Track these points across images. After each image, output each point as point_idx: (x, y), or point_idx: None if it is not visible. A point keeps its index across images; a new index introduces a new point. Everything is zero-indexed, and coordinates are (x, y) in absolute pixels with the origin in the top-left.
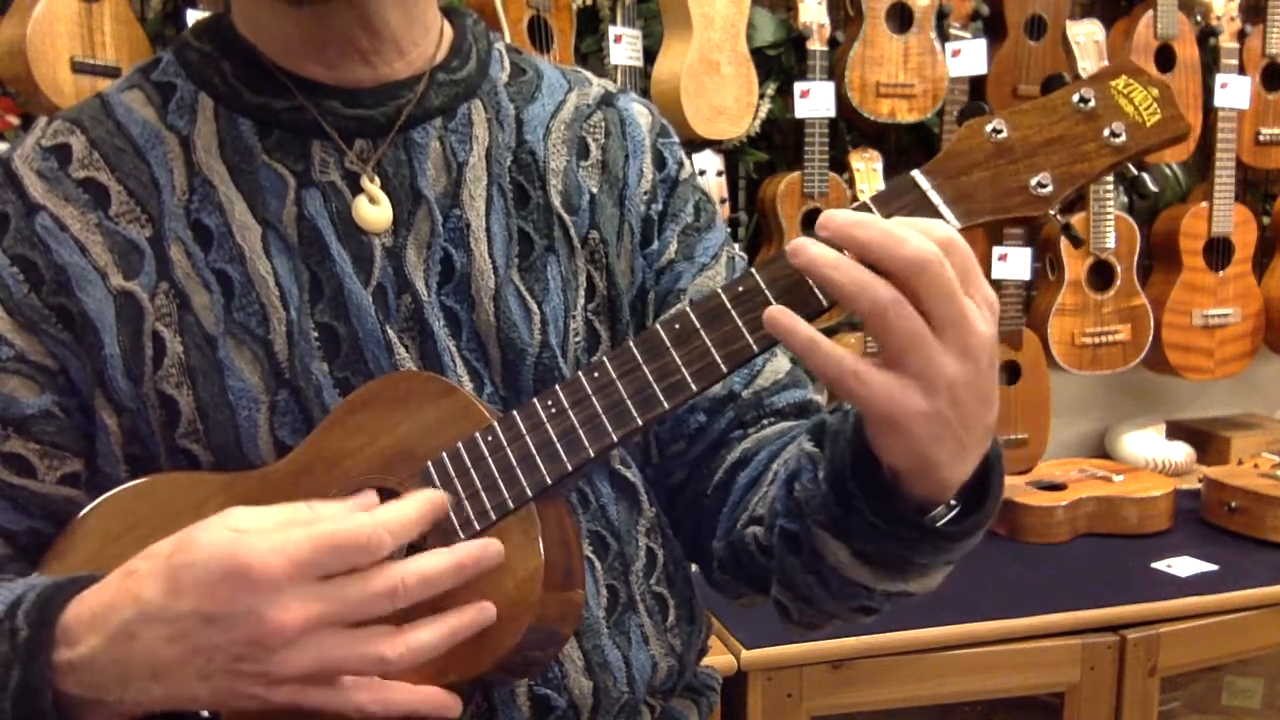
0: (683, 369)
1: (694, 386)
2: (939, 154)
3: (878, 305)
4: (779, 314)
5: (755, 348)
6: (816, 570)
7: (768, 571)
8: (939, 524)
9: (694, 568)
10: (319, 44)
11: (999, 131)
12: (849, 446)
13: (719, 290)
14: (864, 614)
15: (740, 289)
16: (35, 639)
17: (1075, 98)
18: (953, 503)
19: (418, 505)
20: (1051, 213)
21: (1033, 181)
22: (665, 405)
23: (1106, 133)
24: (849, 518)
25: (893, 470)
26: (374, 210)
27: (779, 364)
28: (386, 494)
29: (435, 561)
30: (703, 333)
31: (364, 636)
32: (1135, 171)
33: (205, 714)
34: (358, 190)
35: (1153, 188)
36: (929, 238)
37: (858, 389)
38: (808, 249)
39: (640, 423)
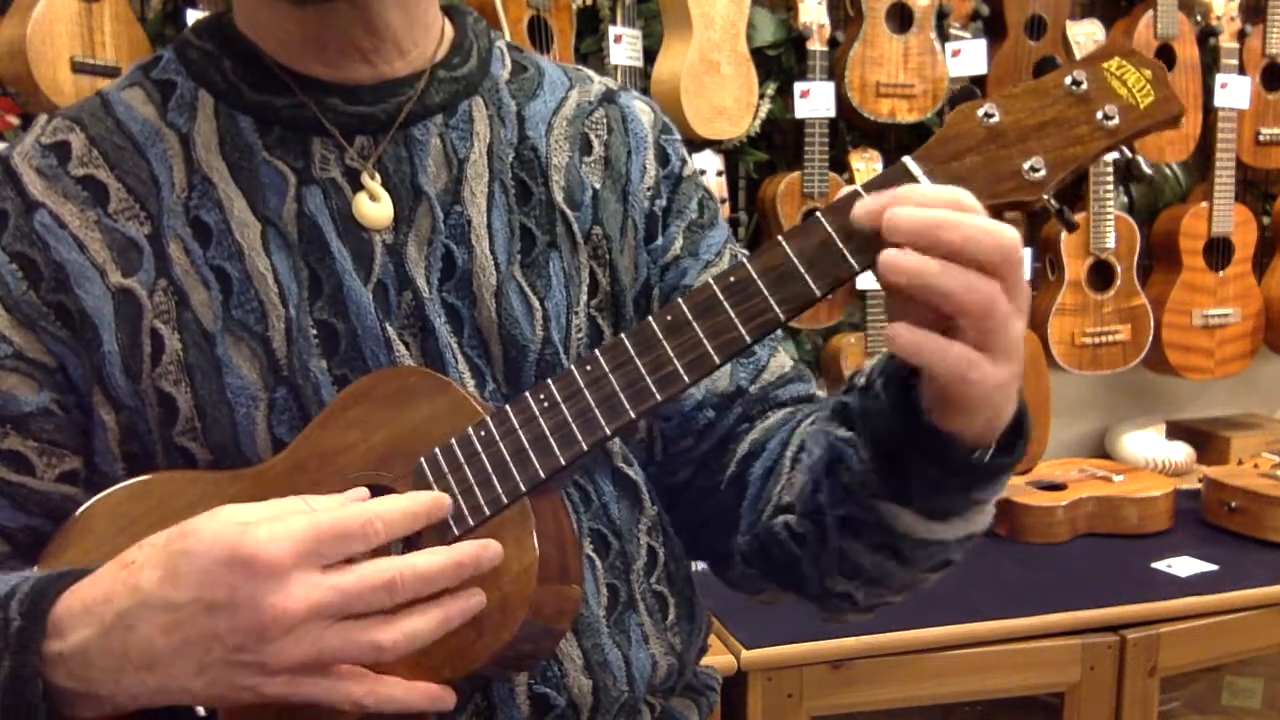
0: (675, 360)
1: (686, 378)
2: (931, 139)
3: (988, 299)
4: (897, 256)
5: (748, 338)
6: (888, 545)
7: (799, 561)
8: (989, 460)
9: (695, 566)
10: (320, 43)
11: (991, 116)
12: (897, 421)
13: (710, 281)
14: (941, 569)
15: (732, 279)
16: (26, 630)
17: (1068, 80)
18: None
19: (415, 500)
20: (1045, 197)
21: (1025, 165)
22: (658, 397)
23: (1100, 115)
24: (909, 483)
25: (951, 434)
26: (374, 207)
27: (782, 359)
28: (382, 490)
29: (433, 559)
30: (694, 324)
31: (359, 625)
32: (1130, 154)
33: (202, 712)
34: (358, 187)
35: (1146, 170)
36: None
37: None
38: (901, 262)
39: (633, 415)
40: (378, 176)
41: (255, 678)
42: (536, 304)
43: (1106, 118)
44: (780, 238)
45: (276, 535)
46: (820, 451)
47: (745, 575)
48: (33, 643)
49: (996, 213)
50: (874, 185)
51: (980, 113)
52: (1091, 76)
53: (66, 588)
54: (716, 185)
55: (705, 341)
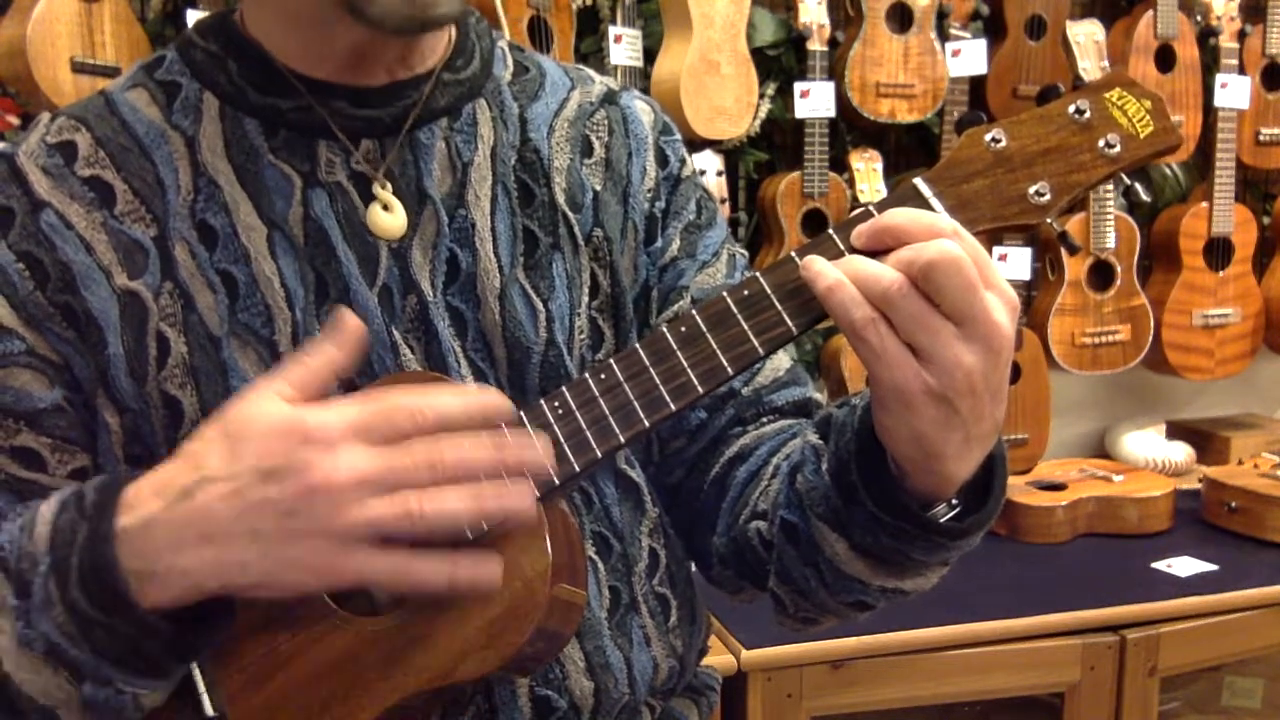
0: (689, 371)
1: (701, 389)
2: (940, 162)
3: (883, 288)
4: (810, 260)
5: (761, 350)
6: (814, 563)
7: (767, 564)
8: (940, 520)
9: (693, 567)
10: (361, 56)
11: (998, 141)
12: (855, 437)
13: (724, 294)
14: (859, 609)
15: (745, 293)
16: (101, 503)
17: (1071, 109)
18: (954, 502)
19: (471, 396)
20: (1049, 220)
21: (1031, 190)
22: (672, 406)
23: (1102, 144)
24: (850, 509)
25: (897, 461)
26: (388, 217)
27: (779, 361)
28: None
29: (477, 445)
30: (709, 336)
31: (400, 494)
32: (1129, 181)
33: (211, 711)
34: (364, 191)
35: (1145, 197)
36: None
37: (873, 340)
38: (812, 265)
39: (647, 424)
40: (389, 186)
41: (305, 546)
42: (540, 306)
43: (1108, 146)
44: (793, 253)
45: (330, 409)
46: (797, 457)
47: (723, 575)
48: (109, 511)
49: (1000, 235)
50: (885, 205)
51: (987, 138)
52: (1094, 106)
53: (133, 480)
54: (716, 185)
55: (719, 353)
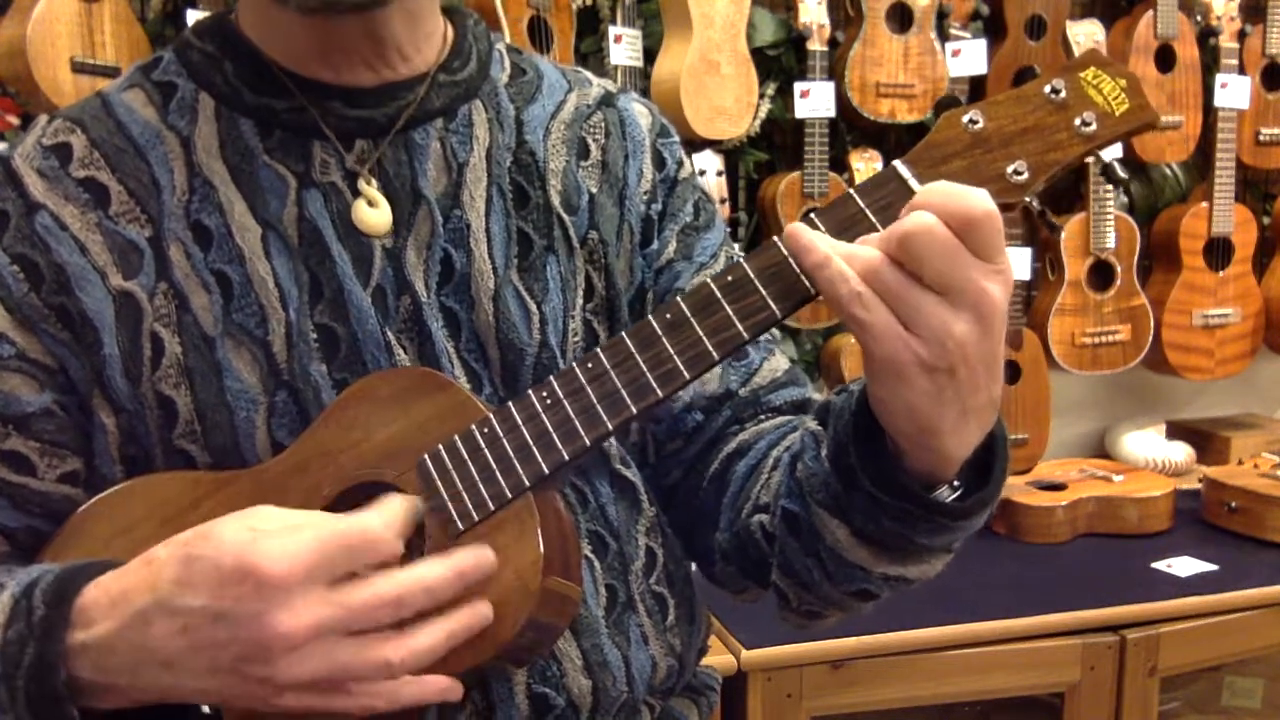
0: (675, 357)
1: (687, 374)
2: (919, 144)
3: (862, 266)
4: (799, 229)
5: (746, 335)
6: (815, 552)
7: (772, 559)
8: (941, 502)
9: (693, 566)
10: (325, 49)
11: (975, 122)
12: (852, 419)
13: (708, 280)
14: (862, 599)
15: (729, 278)
16: (51, 618)
17: (1047, 89)
18: (955, 484)
19: (404, 503)
20: (1028, 200)
21: (1009, 169)
22: (659, 393)
23: (1078, 122)
24: (850, 494)
25: (894, 439)
26: (373, 213)
27: (777, 362)
28: (384, 488)
29: (436, 571)
30: (693, 321)
31: (368, 642)
32: (1106, 159)
33: (206, 709)
34: (358, 192)
35: (1122, 174)
36: (961, 204)
37: (861, 314)
38: (801, 235)
39: (634, 410)
40: (374, 182)
41: (265, 689)
42: (534, 308)
43: (1084, 124)
44: (775, 238)
45: (285, 550)
46: (797, 446)
47: (726, 572)
48: (57, 631)
49: None
50: (865, 186)
51: (965, 119)
52: (1069, 85)
53: (91, 578)
54: (716, 185)
55: (705, 339)
